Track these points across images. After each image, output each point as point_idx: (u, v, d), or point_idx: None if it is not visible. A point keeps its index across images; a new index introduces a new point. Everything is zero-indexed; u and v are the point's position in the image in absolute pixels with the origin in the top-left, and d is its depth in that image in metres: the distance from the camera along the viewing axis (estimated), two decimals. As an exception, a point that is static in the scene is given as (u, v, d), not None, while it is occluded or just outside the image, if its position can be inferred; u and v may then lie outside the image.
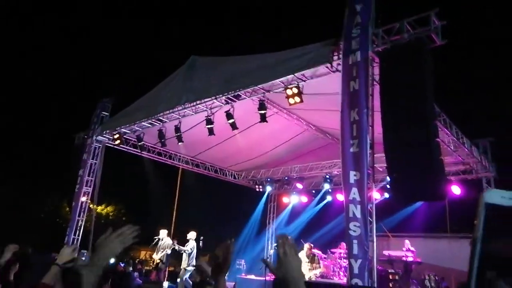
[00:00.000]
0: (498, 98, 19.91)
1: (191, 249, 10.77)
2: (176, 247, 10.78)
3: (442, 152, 6.58)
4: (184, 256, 10.74)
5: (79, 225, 11.32)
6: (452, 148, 9.61)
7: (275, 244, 10.73)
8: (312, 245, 10.71)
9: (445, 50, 5.98)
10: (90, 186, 11.58)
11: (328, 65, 6.93)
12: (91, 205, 11.85)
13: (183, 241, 11.08)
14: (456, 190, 10.76)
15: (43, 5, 33.22)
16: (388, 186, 10.52)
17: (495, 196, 0.63)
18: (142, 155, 12.11)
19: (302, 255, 9.84)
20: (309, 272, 9.97)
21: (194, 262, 10.36)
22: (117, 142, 11.08)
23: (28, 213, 22.63)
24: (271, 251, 11.55)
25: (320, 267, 10.50)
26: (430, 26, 5.72)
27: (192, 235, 11.00)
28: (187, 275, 10.47)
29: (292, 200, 15.56)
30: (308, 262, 10.19)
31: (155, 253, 11.09)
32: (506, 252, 0.60)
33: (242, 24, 37.27)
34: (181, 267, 10.80)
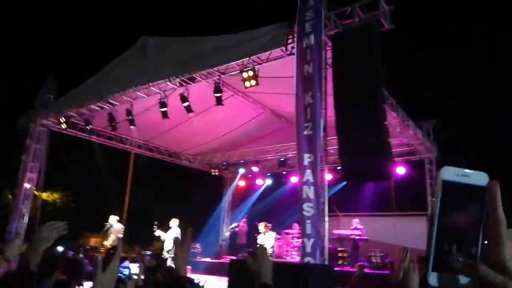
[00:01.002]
0: (440, 81, 21.19)
1: (177, 234, 10.52)
2: (158, 234, 10.43)
3: (389, 134, 6.93)
4: (169, 243, 10.45)
5: (22, 212, 10.67)
6: (398, 130, 10.11)
7: (232, 227, 10.85)
8: (268, 225, 10.90)
9: (392, 33, 6.21)
10: (34, 172, 10.90)
11: (283, 48, 6.96)
12: (36, 192, 11.19)
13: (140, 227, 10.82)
14: (401, 170, 11.41)
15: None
16: (338, 168, 10.93)
17: (450, 173, 0.67)
18: (91, 139, 11.55)
19: (262, 236, 10.04)
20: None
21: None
22: (64, 126, 10.47)
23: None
24: (227, 234, 11.64)
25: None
26: (379, 11, 5.91)
27: (174, 222, 10.71)
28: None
29: (247, 183, 15.72)
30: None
31: (105, 240, 10.76)
32: (459, 225, 0.65)
33: (195, 3, 36.22)
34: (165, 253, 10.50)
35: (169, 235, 10.44)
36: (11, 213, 10.72)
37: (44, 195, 17.95)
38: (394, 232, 10.92)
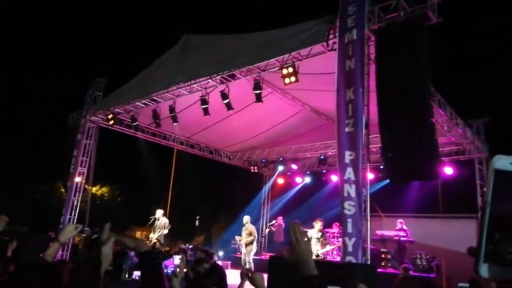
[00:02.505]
0: (493, 78, 19.89)
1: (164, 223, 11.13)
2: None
3: (436, 132, 6.61)
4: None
5: (74, 205, 11.34)
6: (446, 128, 9.65)
7: (270, 224, 10.82)
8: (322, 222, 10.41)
9: (441, 27, 5.90)
10: (84, 167, 11.53)
11: (324, 44, 6.84)
12: (86, 186, 11.83)
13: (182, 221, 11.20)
14: (448, 170, 10.88)
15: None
16: (382, 167, 10.60)
17: (503, 162, 0.63)
18: (137, 135, 12.03)
19: (314, 231, 9.66)
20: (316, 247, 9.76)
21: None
22: (111, 122, 10.97)
23: (22, 194, 22.61)
24: (266, 230, 11.68)
25: (327, 244, 10.47)
26: (426, 3, 5.64)
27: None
28: None
29: (286, 180, 15.68)
30: (318, 238, 9.93)
31: (152, 233, 11.18)
32: None
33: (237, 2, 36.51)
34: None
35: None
36: (64, 205, 11.41)
37: (93, 189, 18.97)
38: (441, 235, 10.45)
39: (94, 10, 35.99)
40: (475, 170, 10.94)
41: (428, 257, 9.77)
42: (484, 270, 0.62)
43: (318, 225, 9.67)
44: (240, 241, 11.12)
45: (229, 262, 12.73)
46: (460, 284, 5.41)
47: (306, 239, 1.51)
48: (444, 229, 10.86)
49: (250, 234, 10.91)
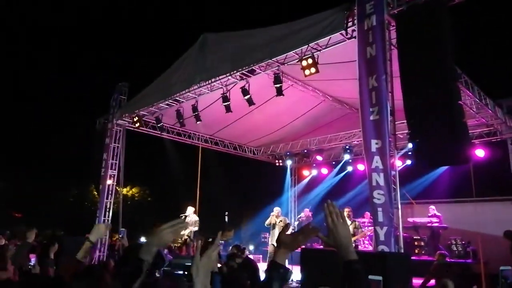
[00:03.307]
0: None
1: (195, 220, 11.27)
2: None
3: (465, 114, 6.41)
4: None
5: (107, 207, 11.73)
6: (475, 109, 9.35)
7: (299, 217, 10.78)
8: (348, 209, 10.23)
9: (466, 3, 5.69)
10: (115, 169, 11.89)
11: (343, 32, 6.74)
12: (117, 188, 12.19)
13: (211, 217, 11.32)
14: (480, 153, 10.55)
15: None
16: (410, 153, 10.39)
17: None
18: (162, 136, 12.28)
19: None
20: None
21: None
22: (137, 124, 11.24)
23: (56, 199, 23.55)
24: (296, 223, 11.70)
25: (361, 231, 10.40)
26: (448, -17, 5.46)
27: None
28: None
29: (312, 172, 15.60)
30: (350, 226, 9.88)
31: (182, 230, 11.40)
32: None
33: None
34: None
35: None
36: (98, 208, 11.81)
37: (124, 190, 19.50)
38: (476, 219, 10.15)
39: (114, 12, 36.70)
40: (508, 151, 10.56)
41: (463, 242, 9.54)
42: None
43: (344, 214, 9.57)
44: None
45: (261, 256, 12.85)
46: (502, 267, 5.26)
47: (342, 221, 1.39)
48: (478, 213, 10.55)
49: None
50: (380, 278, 2.39)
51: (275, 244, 6.32)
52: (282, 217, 10.92)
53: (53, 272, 4.13)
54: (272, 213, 10.89)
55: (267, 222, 10.88)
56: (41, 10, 31.64)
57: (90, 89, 31.11)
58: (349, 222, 9.60)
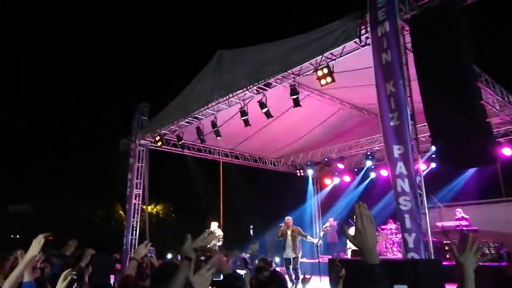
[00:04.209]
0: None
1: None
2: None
3: (488, 113, 6.30)
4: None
5: (134, 226, 11.95)
6: (498, 108, 9.15)
7: (324, 226, 10.55)
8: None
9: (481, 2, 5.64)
10: (139, 189, 12.13)
11: (357, 40, 6.78)
12: (143, 206, 12.41)
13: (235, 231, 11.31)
14: (507, 151, 10.26)
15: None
16: (434, 156, 10.21)
17: None
18: (184, 153, 12.50)
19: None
20: None
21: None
22: (159, 143, 11.50)
23: (82, 220, 24.08)
24: (321, 233, 11.58)
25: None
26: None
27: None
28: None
29: (335, 181, 15.48)
30: None
31: (213, 239, 11.48)
32: None
33: (263, 12, 36.80)
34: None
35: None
36: (125, 227, 12.04)
37: (149, 208, 19.80)
38: (506, 220, 9.86)
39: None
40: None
41: (496, 244, 9.22)
42: None
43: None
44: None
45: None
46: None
47: (371, 224, 1.42)
48: (509, 214, 10.24)
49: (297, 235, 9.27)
50: (405, 287, 2.37)
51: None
52: (293, 226, 9.50)
53: None
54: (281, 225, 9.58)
55: (278, 234, 9.53)
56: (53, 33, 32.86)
57: (115, 109, 31.95)
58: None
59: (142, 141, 12.21)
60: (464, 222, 10.19)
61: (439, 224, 10.56)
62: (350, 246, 9.73)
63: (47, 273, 4.82)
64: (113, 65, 35.57)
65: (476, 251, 1.50)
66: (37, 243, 2.21)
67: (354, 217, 1.46)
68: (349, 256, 10.36)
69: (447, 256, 9.63)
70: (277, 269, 9.26)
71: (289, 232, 9.34)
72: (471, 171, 11.57)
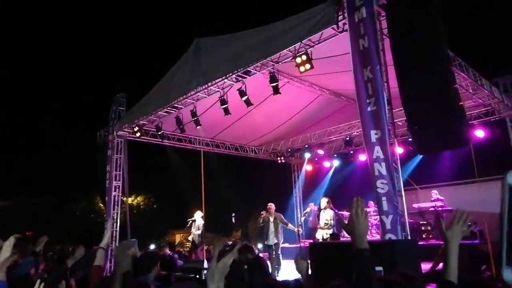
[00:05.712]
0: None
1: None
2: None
3: (461, 97, 6.47)
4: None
5: (115, 218, 11.81)
6: (471, 91, 9.41)
7: (305, 212, 10.74)
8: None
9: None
10: (119, 180, 11.96)
11: (335, 26, 6.80)
12: (123, 198, 12.26)
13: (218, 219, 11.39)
14: (479, 133, 10.62)
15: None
16: (410, 140, 10.46)
17: None
18: (163, 143, 12.36)
19: (322, 213, 9.74)
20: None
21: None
22: (137, 134, 11.32)
23: (63, 214, 23.67)
24: (302, 219, 11.76)
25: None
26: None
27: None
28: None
29: (315, 166, 15.68)
30: None
31: (190, 235, 11.53)
32: None
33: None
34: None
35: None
36: (105, 220, 11.89)
37: (129, 200, 19.60)
38: (480, 200, 10.24)
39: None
40: (507, 129, 10.63)
41: (469, 223, 9.59)
42: (507, 274, 0.69)
43: (325, 203, 9.75)
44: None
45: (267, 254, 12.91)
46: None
47: (364, 215, 1.62)
48: (482, 193, 10.64)
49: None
50: (380, 268, 2.51)
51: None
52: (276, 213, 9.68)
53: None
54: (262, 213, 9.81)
55: (259, 221, 9.75)
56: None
57: (91, 101, 31.19)
58: (330, 212, 9.73)
59: (120, 132, 11.98)
60: (439, 203, 10.55)
61: (415, 205, 10.90)
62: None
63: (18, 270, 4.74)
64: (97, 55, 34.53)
65: (463, 222, 1.65)
66: (6, 246, 2.17)
67: (350, 207, 1.66)
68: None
69: (423, 236, 9.98)
70: (260, 255, 9.39)
71: (271, 219, 9.54)
72: (446, 153, 11.94)
